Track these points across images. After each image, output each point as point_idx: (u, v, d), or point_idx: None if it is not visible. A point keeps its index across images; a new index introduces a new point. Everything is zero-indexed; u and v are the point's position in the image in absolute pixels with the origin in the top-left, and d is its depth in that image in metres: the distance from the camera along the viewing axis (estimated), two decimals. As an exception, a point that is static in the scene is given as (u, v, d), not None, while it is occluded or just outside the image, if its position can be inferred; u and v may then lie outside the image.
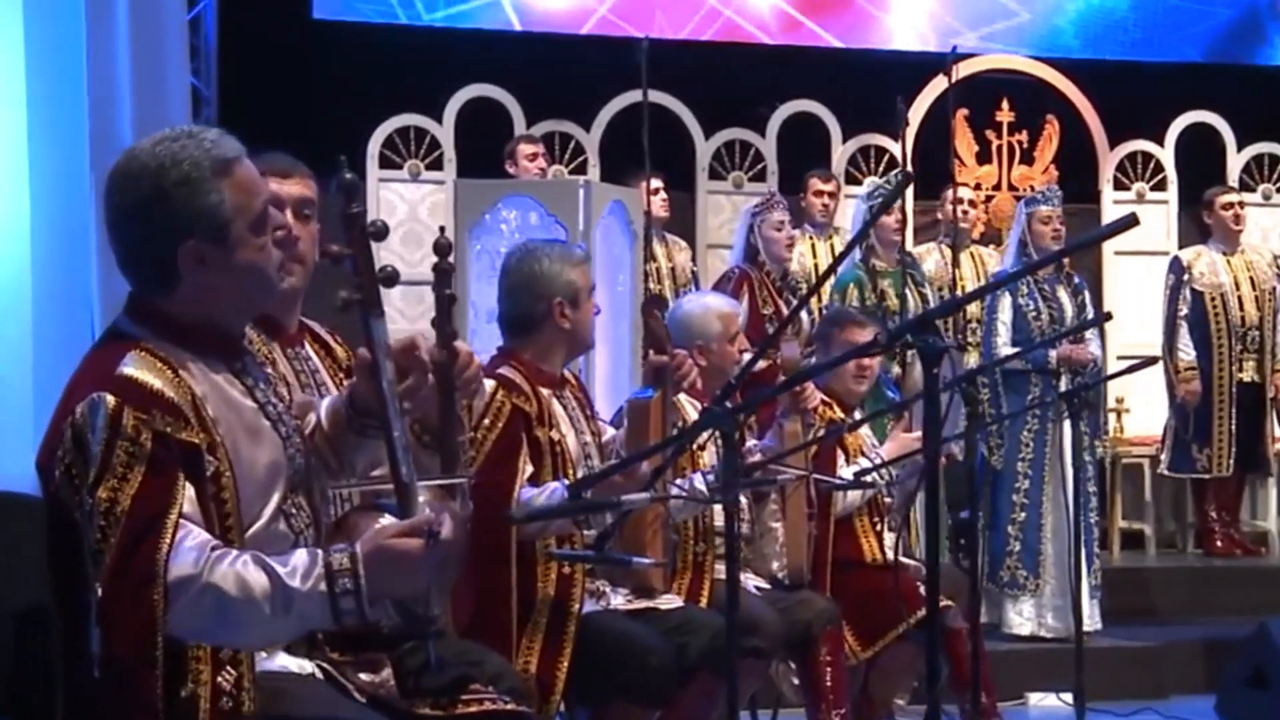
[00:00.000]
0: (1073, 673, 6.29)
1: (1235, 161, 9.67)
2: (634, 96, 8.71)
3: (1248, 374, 8.50)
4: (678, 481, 4.52)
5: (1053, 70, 9.68)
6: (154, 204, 2.50)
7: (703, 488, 4.57)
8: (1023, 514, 7.14)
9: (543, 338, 4.16)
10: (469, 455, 3.53)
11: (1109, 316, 6.60)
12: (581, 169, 9.07)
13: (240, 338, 2.69)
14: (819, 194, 8.53)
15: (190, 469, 2.44)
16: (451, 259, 3.29)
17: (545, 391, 4.10)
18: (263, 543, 2.52)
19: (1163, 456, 8.64)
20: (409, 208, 8.68)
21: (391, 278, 2.76)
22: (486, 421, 3.90)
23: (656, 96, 8.23)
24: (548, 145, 8.77)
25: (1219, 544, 8.55)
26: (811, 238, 8.41)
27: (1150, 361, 6.01)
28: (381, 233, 2.73)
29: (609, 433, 4.36)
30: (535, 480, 3.97)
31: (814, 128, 9.44)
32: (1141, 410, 8.96)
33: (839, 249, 8.53)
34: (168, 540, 2.36)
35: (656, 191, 8.05)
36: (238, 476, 2.51)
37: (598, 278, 6.07)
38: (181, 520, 2.39)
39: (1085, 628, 6.93)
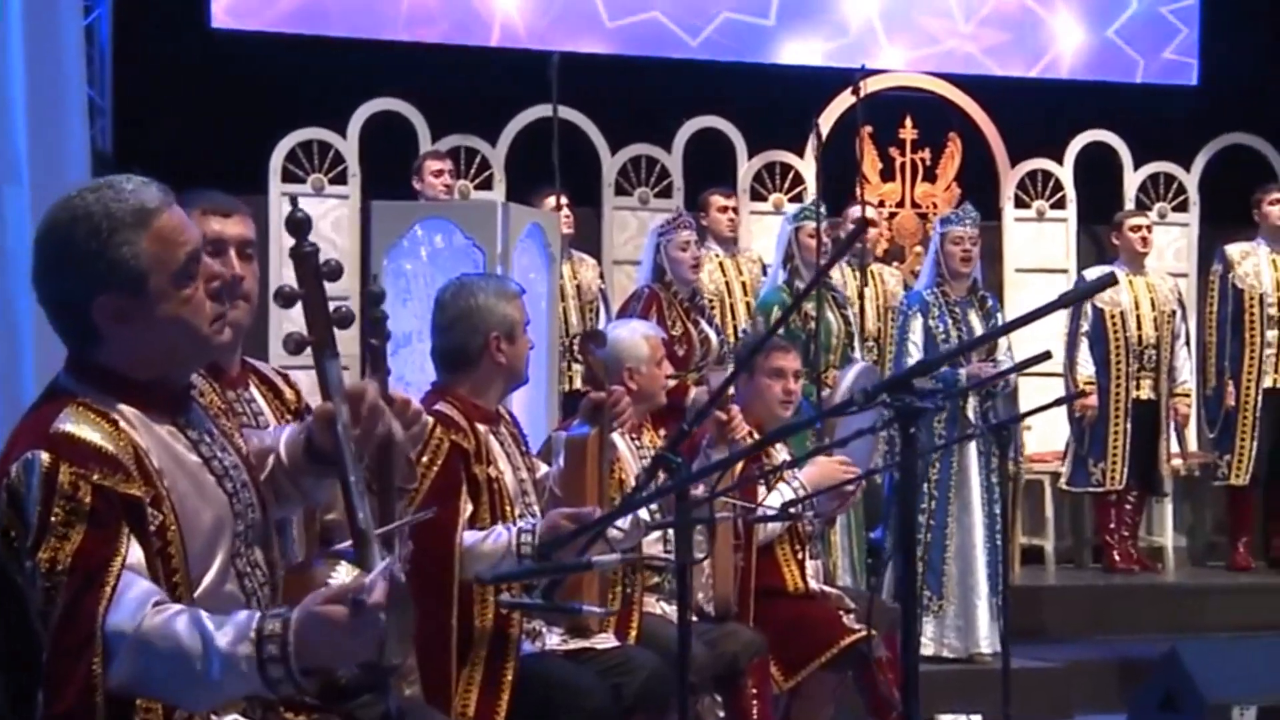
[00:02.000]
0: (977, 693, 6.39)
1: (1132, 180, 9.81)
2: (540, 112, 8.66)
3: (1144, 392, 8.63)
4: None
5: (955, 88, 9.76)
6: (65, 258, 2.43)
7: (645, 515, 4.55)
8: (928, 534, 7.18)
9: (479, 373, 4.11)
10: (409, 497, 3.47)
11: (1048, 355, 6.63)
12: (487, 184, 9.01)
13: (184, 390, 2.60)
14: (723, 210, 8.53)
15: (134, 523, 2.36)
16: (397, 321, 3.22)
17: (482, 428, 4.05)
18: (212, 605, 2.44)
19: (1062, 471, 8.76)
20: (312, 223, 8.55)
21: (346, 318, 2.70)
22: (425, 459, 3.84)
23: (563, 112, 8.18)
24: (453, 160, 8.70)
25: (1117, 560, 8.65)
26: (718, 256, 8.40)
27: (1045, 356, 6.07)
28: (336, 272, 2.68)
29: (542, 469, 4.31)
30: (474, 518, 3.92)
31: (720, 144, 9.43)
32: (1042, 427, 9.04)
33: (745, 266, 8.55)
34: (108, 592, 2.30)
35: (561, 208, 8.00)
36: (184, 531, 2.43)
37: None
38: (126, 572, 2.32)
39: (989, 648, 7.05)
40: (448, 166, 8.28)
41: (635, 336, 4.97)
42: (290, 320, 2.82)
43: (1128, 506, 8.74)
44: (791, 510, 4.97)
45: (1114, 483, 8.53)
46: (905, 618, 2.75)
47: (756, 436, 5.36)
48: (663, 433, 5.53)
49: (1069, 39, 10.46)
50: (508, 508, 3.99)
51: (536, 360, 5.97)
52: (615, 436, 4.57)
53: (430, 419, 3.88)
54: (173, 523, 2.42)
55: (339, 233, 8.74)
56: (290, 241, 2.69)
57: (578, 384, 7.97)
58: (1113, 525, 8.71)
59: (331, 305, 2.70)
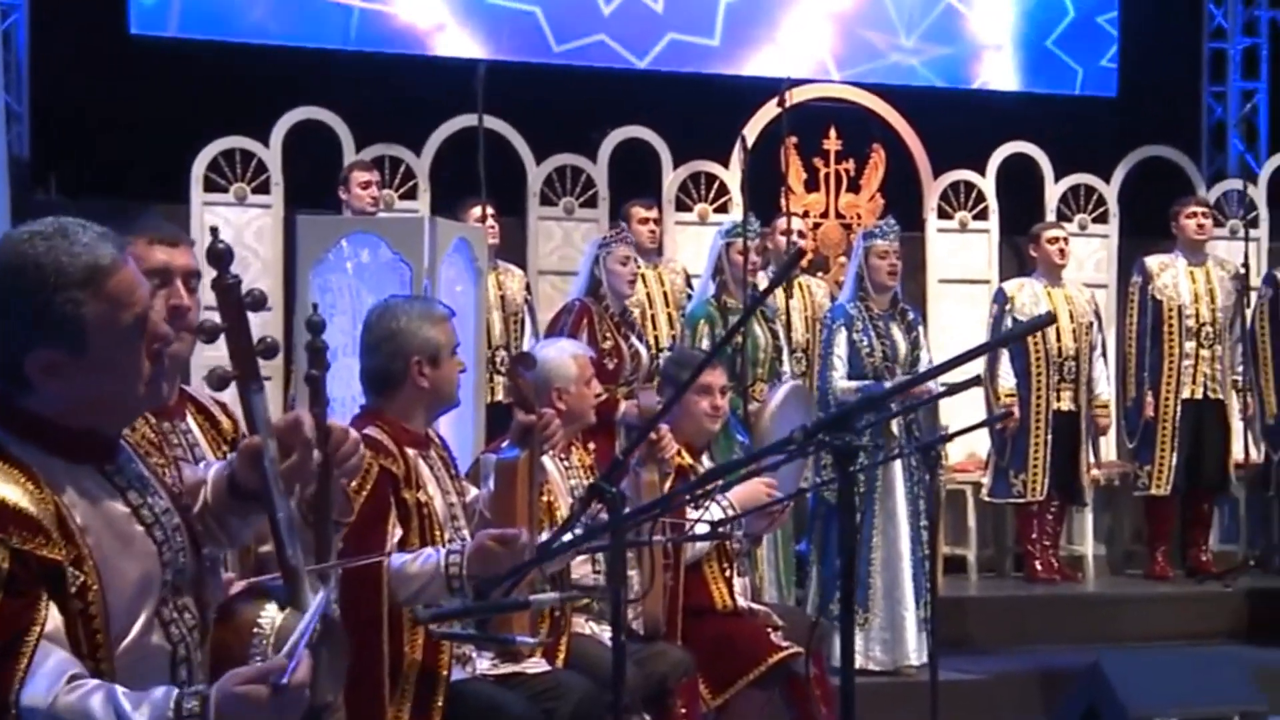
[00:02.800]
0: (904, 706, 6.42)
1: (1053, 192, 9.88)
2: (466, 121, 8.63)
3: (1064, 403, 8.69)
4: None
5: (878, 99, 9.80)
6: (6, 306, 2.34)
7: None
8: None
9: (403, 396, 4.08)
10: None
11: (978, 381, 6.70)
12: (412, 194, 8.95)
13: (114, 440, 2.51)
14: (644, 221, 8.50)
15: (53, 587, 2.28)
16: (325, 336, 3.18)
17: (411, 452, 4.02)
18: (135, 658, 2.37)
19: (984, 482, 8.82)
20: (234, 232, 8.46)
21: (271, 349, 2.66)
22: (354, 484, 3.80)
23: (488, 121, 8.13)
24: (378, 169, 8.63)
25: (1039, 570, 8.72)
26: (640, 267, 8.37)
27: (975, 382, 6.11)
28: (260, 302, 2.64)
29: (472, 492, 4.29)
30: (403, 543, 3.89)
31: (646, 153, 9.43)
32: (964, 437, 9.09)
33: (667, 277, 8.55)
34: (24, 665, 2.22)
35: (487, 219, 7.97)
36: (106, 589, 2.34)
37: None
38: (43, 642, 2.24)
39: (916, 661, 7.09)
40: (375, 177, 8.22)
41: (564, 356, 4.96)
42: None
43: (1049, 516, 8.81)
44: (720, 530, 4.97)
45: (1035, 494, 8.59)
46: (844, 639, 2.73)
47: (684, 454, 5.36)
48: (592, 446, 5.54)
49: (1001, 54, 10.59)
50: (437, 533, 3.97)
51: (464, 377, 5.96)
52: (545, 459, 4.56)
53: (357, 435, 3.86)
54: (94, 582, 2.33)
55: (261, 243, 8.65)
56: (212, 273, 2.62)
57: (499, 396, 7.95)
58: (1034, 535, 8.77)
59: (256, 336, 2.65)
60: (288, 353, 7.45)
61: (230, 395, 2.88)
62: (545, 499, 4.48)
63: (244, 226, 8.61)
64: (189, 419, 3.14)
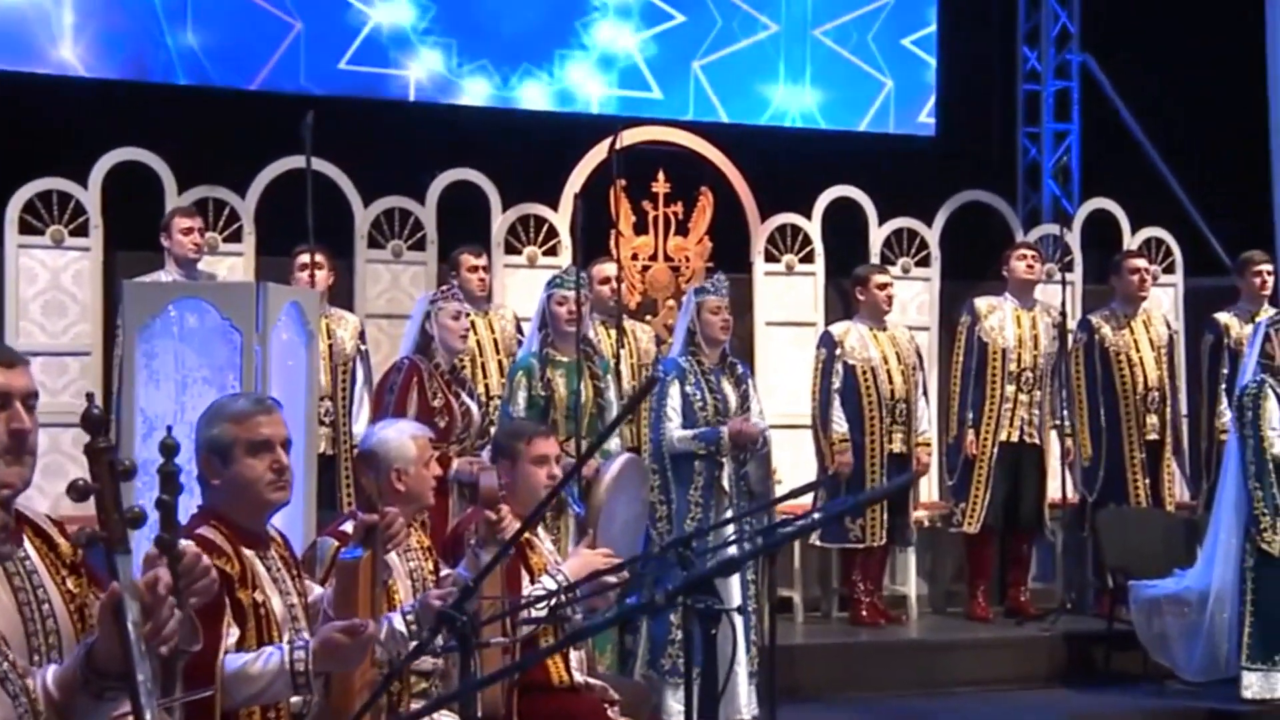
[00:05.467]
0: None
1: (877, 235, 10.02)
2: (292, 163, 8.51)
3: (897, 445, 8.81)
4: (389, 615, 4.45)
5: (706, 143, 9.85)
6: None
7: (401, 627, 4.48)
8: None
9: (223, 496, 3.94)
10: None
11: (819, 485, 6.77)
12: (236, 237, 8.78)
13: None
14: (473, 269, 8.44)
15: None
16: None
17: (248, 552, 3.92)
18: None
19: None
20: (51, 275, 8.25)
21: (139, 518, 2.62)
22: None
23: (315, 163, 7.99)
24: (201, 210, 8.46)
25: (864, 614, 8.83)
26: (470, 314, 8.32)
27: (816, 485, 6.21)
28: (130, 472, 2.59)
29: (315, 591, 4.21)
30: (240, 644, 3.79)
31: (475, 196, 9.36)
32: (793, 479, 9.16)
33: (497, 324, 8.50)
34: None
35: (317, 267, 7.85)
36: None
37: (273, 381, 5.91)
38: None
39: (747, 715, 7.13)
40: (197, 224, 8.03)
41: (403, 438, 4.89)
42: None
43: (876, 559, 8.93)
44: (559, 611, 4.94)
45: (874, 539, 8.69)
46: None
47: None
48: (427, 518, 5.47)
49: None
50: (275, 633, 3.87)
51: (296, 436, 5.85)
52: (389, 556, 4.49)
53: (192, 544, 3.76)
54: None
55: (80, 287, 8.43)
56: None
57: (324, 447, 7.84)
58: (858, 578, 8.87)
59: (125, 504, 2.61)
60: (105, 401, 7.30)
61: (69, 507, 2.82)
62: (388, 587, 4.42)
63: (61, 270, 8.38)
64: (27, 544, 3.03)
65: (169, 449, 3.08)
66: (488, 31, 10.34)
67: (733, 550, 6.99)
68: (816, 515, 6.25)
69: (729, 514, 7.32)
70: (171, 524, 3.03)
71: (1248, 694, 7.64)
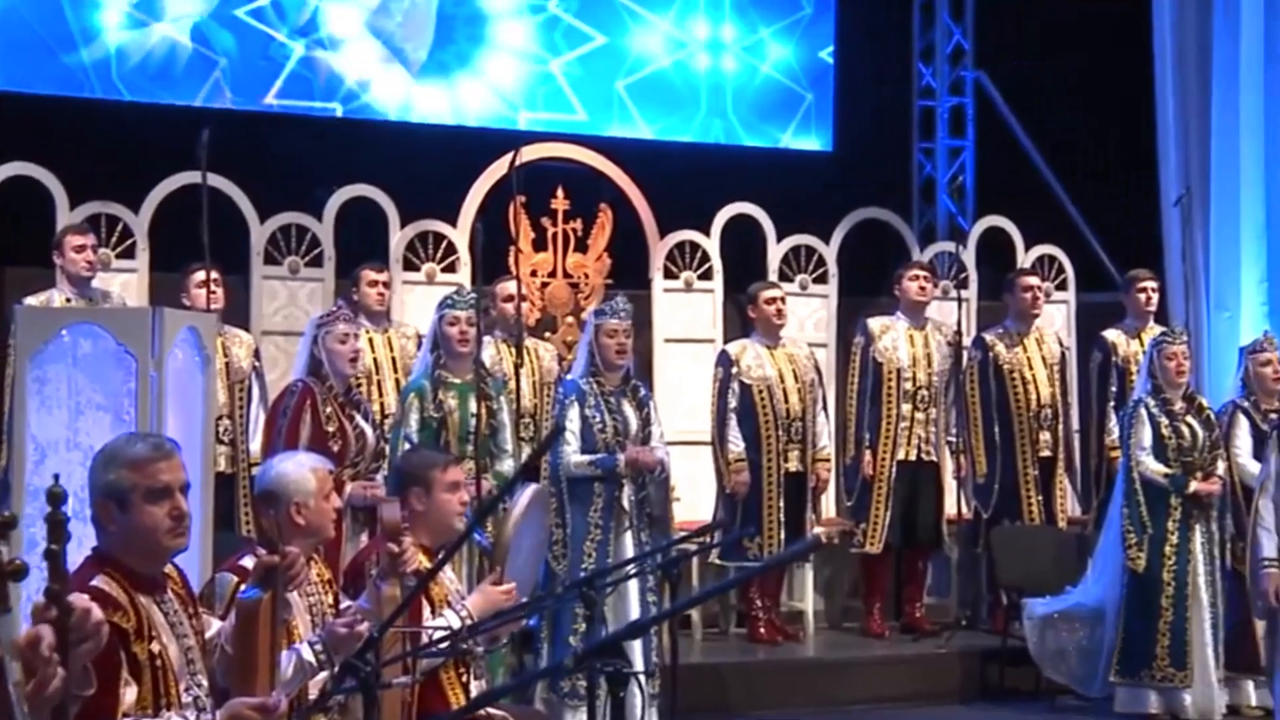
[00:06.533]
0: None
1: (775, 252, 10.06)
2: (186, 178, 8.41)
3: (793, 464, 8.86)
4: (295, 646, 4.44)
5: (605, 159, 9.85)
6: None
7: (310, 658, 4.44)
8: (583, 624, 7.20)
9: (119, 542, 3.85)
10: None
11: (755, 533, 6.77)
12: (130, 253, 8.66)
13: None
14: (373, 284, 8.41)
15: None
16: (65, 508, 3.03)
17: (144, 599, 3.84)
18: None
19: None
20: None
21: (20, 571, 2.55)
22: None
23: (210, 179, 7.88)
24: (94, 225, 8.34)
25: (761, 630, 8.87)
26: (369, 331, 8.27)
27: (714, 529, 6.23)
28: (9, 524, 2.53)
29: (214, 626, 4.15)
30: (138, 700, 3.73)
31: (374, 211, 9.30)
32: (690, 497, 9.22)
33: (396, 342, 8.45)
34: None
35: (215, 283, 7.77)
36: None
37: (169, 407, 5.83)
38: None
39: (650, 736, 7.14)
40: (90, 241, 7.90)
41: (302, 471, 4.83)
42: None
43: (773, 576, 8.97)
44: (462, 645, 4.91)
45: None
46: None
47: (424, 561, 5.28)
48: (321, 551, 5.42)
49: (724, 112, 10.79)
50: (171, 685, 3.80)
51: (193, 461, 5.77)
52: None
53: (85, 596, 3.69)
54: None
55: (-36, 305, 8.28)
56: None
57: (222, 465, 7.76)
58: (756, 594, 8.92)
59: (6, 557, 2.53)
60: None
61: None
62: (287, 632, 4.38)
63: (-52, 287, 8.24)
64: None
65: (55, 497, 3.01)
66: (403, 53, 10.26)
67: (636, 597, 7.15)
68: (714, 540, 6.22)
69: (628, 536, 7.35)
70: (60, 574, 2.98)
71: (1118, 708, 7.82)
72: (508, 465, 7.34)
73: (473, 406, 7.24)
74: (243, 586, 4.24)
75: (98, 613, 2.98)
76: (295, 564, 4.09)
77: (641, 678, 7.09)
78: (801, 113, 11.40)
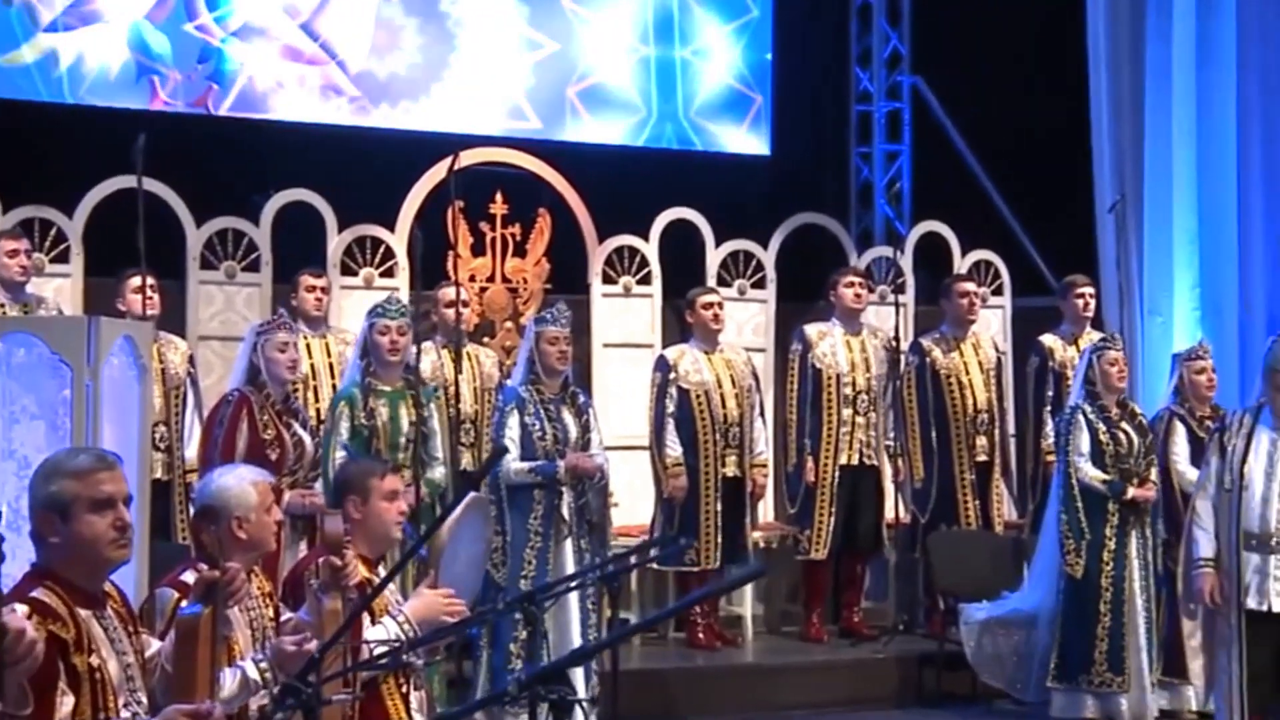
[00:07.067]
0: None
1: (713, 257, 10.07)
2: (121, 182, 8.34)
3: (730, 469, 8.86)
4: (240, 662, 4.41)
5: (544, 164, 9.83)
6: None
7: (255, 675, 4.41)
8: (524, 631, 7.17)
9: (61, 555, 3.81)
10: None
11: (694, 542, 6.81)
12: (64, 258, 8.57)
13: None
14: (311, 289, 8.37)
15: None
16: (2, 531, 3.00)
17: (84, 613, 3.81)
18: None
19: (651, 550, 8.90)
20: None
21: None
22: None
23: (146, 183, 7.79)
24: (27, 230, 8.24)
25: (700, 635, 8.87)
26: (306, 336, 8.23)
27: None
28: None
29: (153, 646, 4.11)
30: (75, 712, 3.69)
31: (311, 216, 9.24)
32: (628, 502, 9.23)
33: (334, 347, 8.42)
34: None
35: (151, 288, 7.71)
36: None
37: (105, 416, 5.78)
38: None
39: (589, 743, 7.13)
40: (23, 246, 7.82)
41: (243, 485, 4.79)
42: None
43: (710, 580, 8.96)
44: (403, 656, 4.88)
45: (709, 562, 8.71)
46: None
47: (363, 572, 5.26)
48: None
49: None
50: (110, 699, 3.77)
51: (130, 470, 5.72)
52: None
53: (25, 607, 3.65)
54: None
55: (-105, 310, 8.15)
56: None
57: (159, 473, 7.70)
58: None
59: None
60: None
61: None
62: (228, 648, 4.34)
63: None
64: None
65: (-7, 519, 2.99)
66: (341, 58, 10.22)
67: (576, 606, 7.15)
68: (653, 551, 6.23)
69: (568, 544, 7.35)
70: (-2, 596, 2.96)
71: (1055, 714, 7.87)
72: (439, 473, 7.32)
73: (404, 414, 7.20)
74: (183, 603, 4.20)
75: (32, 632, 2.96)
76: (236, 580, 4.06)
77: (585, 705, 7.08)
78: (753, 114, 11.42)
